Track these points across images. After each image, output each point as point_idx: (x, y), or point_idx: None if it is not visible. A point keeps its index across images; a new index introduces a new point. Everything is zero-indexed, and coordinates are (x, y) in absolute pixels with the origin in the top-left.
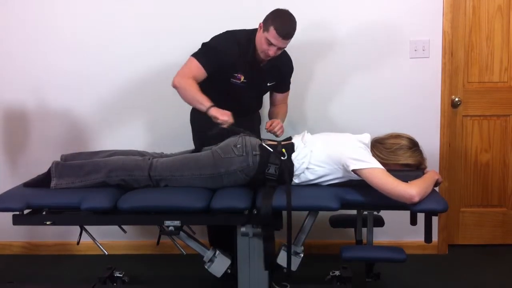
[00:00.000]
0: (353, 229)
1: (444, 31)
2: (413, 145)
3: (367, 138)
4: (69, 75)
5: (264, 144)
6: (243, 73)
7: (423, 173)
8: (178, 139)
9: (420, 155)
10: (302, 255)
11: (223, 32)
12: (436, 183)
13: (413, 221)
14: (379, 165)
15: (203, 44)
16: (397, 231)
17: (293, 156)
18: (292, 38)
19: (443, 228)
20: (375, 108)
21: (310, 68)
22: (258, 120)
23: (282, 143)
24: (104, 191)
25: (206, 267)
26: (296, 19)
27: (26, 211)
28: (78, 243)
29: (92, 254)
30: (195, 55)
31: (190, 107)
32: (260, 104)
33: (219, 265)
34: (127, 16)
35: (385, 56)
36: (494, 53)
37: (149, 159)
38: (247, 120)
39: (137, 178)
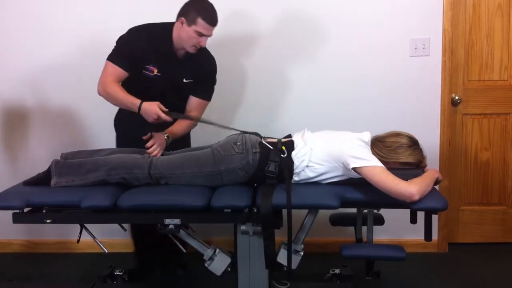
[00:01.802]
0: (353, 227)
1: (444, 29)
2: (413, 143)
3: (367, 136)
4: (69, 73)
5: (264, 142)
6: (157, 66)
7: (423, 172)
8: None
9: (420, 154)
10: (302, 253)
11: (133, 26)
12: (436, 182)
13: (413, 220)
14: (379, 163)
15: (116, 42)
16: (397, 229)
17: (293, 153)
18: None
19: (443, 226)
20: (375, 107)
21: (309, 68)
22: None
23: (282, 140)
24: (104, 190)
25: (206, 265)
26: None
27: (26, 209)
28: (78, 241)
29: (92, 252)
30: (109, 57)
31: None
32: (183, 104)
33: (219, 263)
34: (128, 15)
35: (386, 55)
36: (494, 51)
37: (149, 157)
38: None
39: (137, 176)
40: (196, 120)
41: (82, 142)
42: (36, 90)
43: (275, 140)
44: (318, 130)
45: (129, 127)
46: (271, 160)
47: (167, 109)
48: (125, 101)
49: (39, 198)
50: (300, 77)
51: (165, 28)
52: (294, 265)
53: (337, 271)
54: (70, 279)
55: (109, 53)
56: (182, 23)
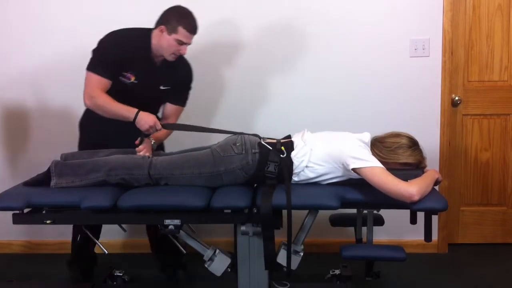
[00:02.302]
0: (353, 228)
1: (444, 30)
2: (413, 144)
3: (367, 137)
4: (69, 74)
5: (263, 142)
6: (134, 73)
7: (423, 172)
8: (177, 137)
9: (420, 154)
10: (302, 254)
11: (109, 32)
12: (436, 182)
13: (413, 220)
14: (379, 164)
15: (92, 51)
16: (397, 230)
17: (293, 154)
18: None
19: (443, 227)
20: (376, 107)
21: (309, 68)
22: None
23: (282, 141)
24: (104, 190)
25: (206, 266)
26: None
27: (26, 210)
28: (78, 241)
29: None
30: (89, 68)
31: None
32: (157, 111)
33: (219, 263)
34: (128, 14)
35: (385, 55)
36: (494, 51)
37: (148, 157)
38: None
39: (137, 177)
40: (193, 130)
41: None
42: (36, 90)
43: (274, 141)
44: (318, 130)
45: (96, 129)
46: (270, 161)
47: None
48: (119, 111)
49: (39, 199)
50: (299, 78)
51: (144, 35)
52: (294, 266)
53: (337, 271)
54: (70, 279)
55: (88, 62)
56: (162, 31)
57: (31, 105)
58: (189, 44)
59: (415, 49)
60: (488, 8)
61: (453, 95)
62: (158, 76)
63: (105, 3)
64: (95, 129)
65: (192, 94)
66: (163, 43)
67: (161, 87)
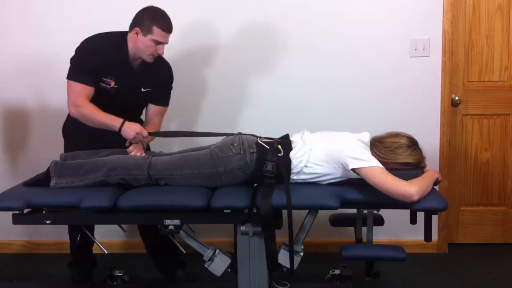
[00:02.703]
0: (353, 228)
1: (444, 30)
2: (413, 143)
3: (366, 137)
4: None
5: (260, 142)
6: (114, 78)
7: (423, 172)
8: (177, 138)
9: (419, 154)
10: (302, 253)
11: (85, 39)
12: (436, 182)
13: (413, 220)
14: (378, 164)
15: (70, 60)
16: (397, 230)
17: (292, 154)
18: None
19: (443, 227)
20: (375, 107)
21: (309, 68)
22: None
23: (279, 140)
24: (104, 190)
25: (206, 266)
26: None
27: (25, 210)
28: (78, 242)
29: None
30: (69, 77)
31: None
32: (140, 114)
33: (219, 264)
34: (128, 15)
35: (385, 55)
36: (494, 52)
37: (148, 157)
38: None
39: (136, 177)
40: (183, 135)
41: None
42: (36, 90)
43: (271, 140)
44: (317, 130)
45: (79, 134)
46: (268, 160)
47: (145, 133)
48: (105, 121)
49: (39, 199)
50: (299, 78)
51: (120, 39)
52: (294, 266)
53: (337, 271)
54: (70, 280)
55: (68, 71)
56: (137, 33)
57: (30, 105)
58: (165, 43)
59: (415, 49)
60: (488, 8)
61: (453, 95)
62: (138, 78)
63: (105, 3)
64: (80, 134)
65: (192, 96)
66: (140, 45)
67: (142, 89)
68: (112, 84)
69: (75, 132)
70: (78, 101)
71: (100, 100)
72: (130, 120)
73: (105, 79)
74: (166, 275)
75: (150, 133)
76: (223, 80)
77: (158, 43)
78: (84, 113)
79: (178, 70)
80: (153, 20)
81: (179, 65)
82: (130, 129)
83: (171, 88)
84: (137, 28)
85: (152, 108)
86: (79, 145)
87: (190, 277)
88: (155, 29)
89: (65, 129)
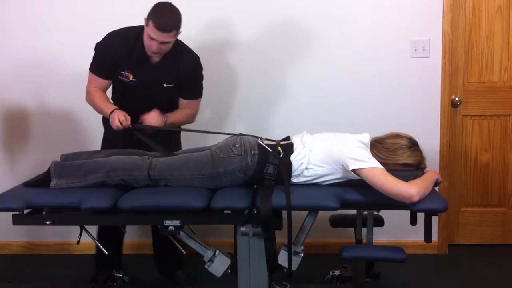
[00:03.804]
0: (353, 229)
1: (444, 31)
2: (413, 144)
3: (366, 137)
4: (69, 74)
5: (262, 143)
6: (132, 71)
7: (423, 173)
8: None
9: (419, 155)
10: (302, 254)
11: (107, 33)
12: (436, 183)
13: (413, 221)
14: (378, 165)
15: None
16: (397, 230)
17: (292, 156)
18: (290, 40)
19: (443, 228)
20: (375, 108)
21: (309, 69)
22: (178, 131)
23: (281, 142)
24: (104, 191)
25: (206, 266)
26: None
27: (26, 211)
28: (78, 242)
29: (92, 254)
30: (89, 68)
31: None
32: (173, 109)
33: (219, 264)
34: (128, 15)
35: (385, 56)
36: (494, 53)
37: (148, 158)
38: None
39: (136, 178)
40: (175, 130)
41: (82, 143)
42: (36, 91)
43: (273, 142)
44: (317, 132)
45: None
46: (269, 163)
47: (128, 124)
48: (101, 108)
49: (39, 200)
50: (299, 79)
51: (137, 33)
52: (294, 267)
53: (337, 272)
54: (70, 280)
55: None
56: (145, 24)
57: (31, 106)
58: (159, 41)
59: (415, 50)
60: (488, 9)
61: (453, 96)
62: (158, 74)
63: (106, 3)
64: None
65: None
66: (144, 36)
67: (165, 85)
68: (131, 77)
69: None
70: (89, 89)
71: (123, 93)
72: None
73: (123, 72)
74: (166, 275)
75: (147, 126)
76: (222, 80)
77: (151, 38)
78: (89, 99)
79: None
80: (153, 13)
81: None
82: (113, 118)
83: (199, 80)
84: (145, 19)
85: (183, 102)
86: (114, 134)
87: (190, 279)
88: (150, 23)
89: (104, 118)
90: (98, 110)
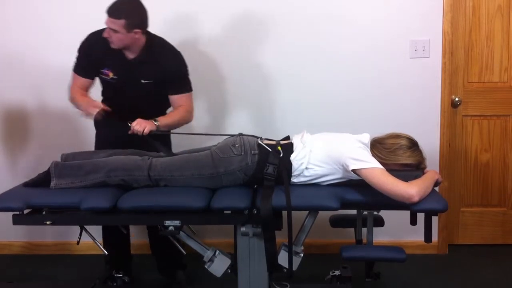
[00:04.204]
0: (353, 229)
1: (444, 31)
2: (413, 144)
3: (366, 138)
4: (69, 74)
5: (262, 143)
6: (112, 69)
7: (423, 173)
8: (176, 138)
9: (419, 155)
10: (302, 254)
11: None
12: (436, 183)
13: (413, 221)
14: (378, 165)
15: None
16: (397, 231)
17: (292, 156)
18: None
19: (443, 228)
20: (375, 108)
21: (309, 69)
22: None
23: (281, 142)
24: (104, 191)
25: (206, 266)
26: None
27: (26, 211)
28: (78, 243)
29: (92, 254)
30: (73, 68)
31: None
32: (157, 107)
33: (219, 264)
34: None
35: (385, 56)
36: (494, 53)
37: (148, 158)
38: None
39: (136, 178)
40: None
41: (82, 143)
42: (36, 91)
43: (273, 142)
44: (317, 132)
45: (110, 126)
46: (269, 163)
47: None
48: (81, 106)
49: (39, 200)
50: (299, 79)
51: None
52: (294, 267)
53: (337, 272)
54: (70, 280)
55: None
56: None
57: (31, 106)
58: (111, 28)
59: (415, 50)
60: (488, 9)
61: (453, 96)
62: (136, 70)
63: (106, 3)
64: (109, 127)
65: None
66: None
67: (142, 81)
68: (111, 75)
69: (105, 124)
70: (72, 89)
71: (107, 92)
72: (145, 114)
73: (103, 70)
74: (166, 276)
75: (151, 132)
76: (222, 81)
77: (106, 24)
78: (71, 100)
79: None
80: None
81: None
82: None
83: (182, 75)
84: None
85: (172, 98)
86: (107, 137)
87: (190, 279)
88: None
89: (95, 121)
90: (76, 106)
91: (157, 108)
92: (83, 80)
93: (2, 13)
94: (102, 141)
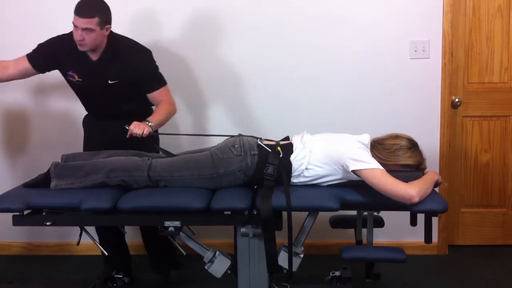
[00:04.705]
0: (353, 230)
1: (444, 32)
2: (413, 145)
3: (366, 138)
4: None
5: (261, 144)
6: (76, 72)
7: (423, 174)
8: (177, 139)
9: (419, 156)
10: (302, 255)
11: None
12: (436, 184)
13: (413, 222)
14: (378, 166)
15: None
16: (397, 231)
17: (292, 157)
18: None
19: (443, 229)
20: (375, 108)
21: (309, 69)
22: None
23: (281, 143)
24: (104, 192)
25: (206, 267)
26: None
27: (26, 212)
28: (78, 243)
29: (92, 255)
30: (26, 54)
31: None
32: (129, 105)
33: (219, 265)
34: (127, 16)
35: (385, 57)
36: (494, 53)
37: (148, 159)
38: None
39: (136, 179)
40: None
41: (82, 144)
42: (36, 91)
43: (273, 143)
44: (317, 132)
45: (96, 127)
46: (269, 163)
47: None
48: None
49: (39, 200)
50: (299, 79)
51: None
52: (294, 267)
53: (337, 273)
54: (70, 281)
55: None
56: None
57: (31, 107)
58: (80, 27)
59: (415, 51)
60: (488, 10)
61: (453, 97)
62: (101, 71)
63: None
64: (96, 127)
65: (188, 94)
66: None
67: (110, 82)
68: (76, 77)
69: (92, 125)
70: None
71: (80, 95)
72: (119, 114)
73: (68, 73)
74: (160, 274)
75: (149, 134)
76: (222, 81)
77: (75, 26)
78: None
79: (178, 70)
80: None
81: (180, 65)
82: None
83: (153, 72)
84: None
85: (149, 96)
86: (94, 138)
87: (184, 279)
88: (74, 12)
89: (84, 122)
90: None
91: (130, 106)
92: (26, 64)
93: (2, 14)
94: (91, 143)
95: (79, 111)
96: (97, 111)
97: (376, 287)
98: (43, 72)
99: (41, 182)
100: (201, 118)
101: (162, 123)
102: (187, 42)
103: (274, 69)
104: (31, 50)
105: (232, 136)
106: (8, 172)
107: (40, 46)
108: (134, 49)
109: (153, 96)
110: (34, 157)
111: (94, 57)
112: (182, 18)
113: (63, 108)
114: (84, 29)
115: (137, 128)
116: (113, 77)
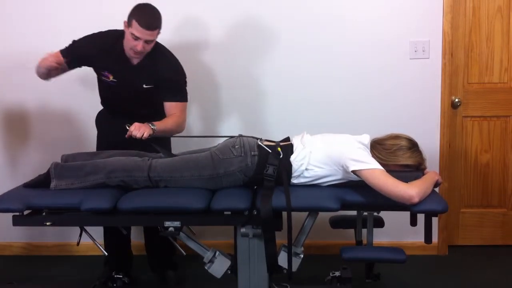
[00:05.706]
0: (353, 230)
1: (444, 32)
2: (413, 145)
3: (366, 138)
4: (70, 75)
5: (261, 144)
6: (112, 72)
7: (423, 174)
8: (177, 139)
9: (419, 156)
10: (302, 255)
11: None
12: (436, 184)
13: (413, 222)
14: (378, 166)
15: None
16: (397, 231)
17: (292, 157)
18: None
19: (443, 229)
20: (375, 109)
21: (309, 70)
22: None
23: (281, 143)
24: (104, 192)
25: (206, 267)
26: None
27: (26, 212)
28: (78, 244)
29: (92, 255)
30: (60, 50)
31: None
32: (152, 109)
33: (219, 265)
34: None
35: (385, 57)
36: (494, 53)
37: (148, 159)
38: None
39: (136, 179)
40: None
41: (82, 144)
42: (36, 91)
43: (273, 143)
44: (317, 133)
45: (109, 126)
46: (269, 164)
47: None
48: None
49: (39, 201)
50: (299, 79)
51: (117, 35)
52: (294, 268)
53: (337, 273)
54: (70, 281)
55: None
56: (125, 26)
57: (31, 107)
58: (143, 39)
59: (415, 51)
60: (488, 10)
61: (453, 97)
62: (137, 75)
63: (107, 4)
64: (110, 126)
65: (188, 94)
66: (125, 38)
67: (144, 86)
68: (111, 77)
69: (106, 123)
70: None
71: (107, 92)
72: (142, 117)
73: (103, 73)
74: (157, 273)
75: (152, 136)
76: (222, 81)
77: (136, 38)
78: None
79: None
80: (135, 14)
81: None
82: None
83: (179, 84)
84: (125, 21)
85: (166, 104)
86: (107, 136)
87: (184, 279)
88: (134, 22)
89: (97, 120)
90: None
91: (151, 110)
92: (57, 55)
93: (3, 14)
94: (103, 141)
95: (80, 111)
96: (117, 111)
97: (376, 287)
98: (71, 68)
99: (41, 182)
100: (201, 118)
101: (166, 132)
102: (180, 43)
103: (274, 70)
104: (66, 47)
105: (232, 136)
106: (8, 172)
107: (76, 43)
108: (167, 57)
109: (169, 105)
110: (34, 157)
111: (135, 61)
112: (180, 20)
113: (63, 108)
114: (146, 41)
115: (136, 131)
116: (148, 81)
